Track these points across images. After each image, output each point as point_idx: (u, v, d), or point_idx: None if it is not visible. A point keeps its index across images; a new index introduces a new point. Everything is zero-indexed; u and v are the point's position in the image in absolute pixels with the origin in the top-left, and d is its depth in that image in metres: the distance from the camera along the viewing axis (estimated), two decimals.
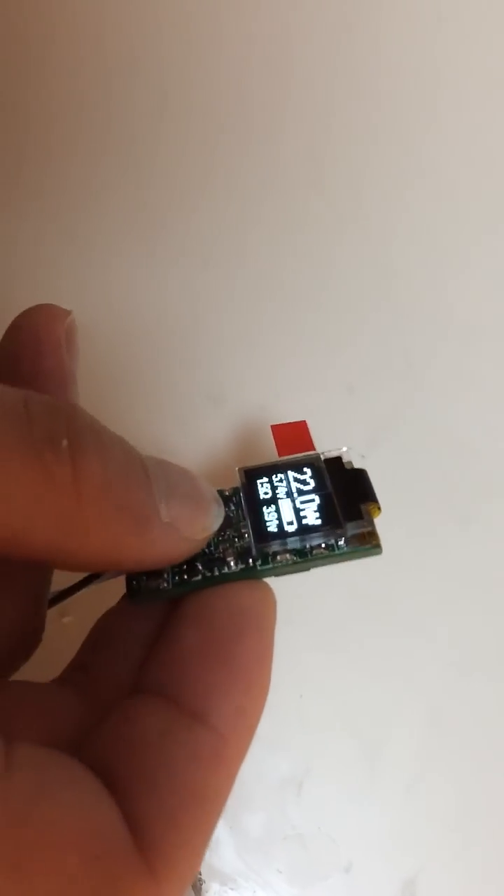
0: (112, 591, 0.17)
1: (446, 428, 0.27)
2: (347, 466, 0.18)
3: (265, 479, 0.17)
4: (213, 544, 0.17)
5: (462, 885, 0.25)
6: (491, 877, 0.25)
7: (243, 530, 0.17)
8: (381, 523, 0.25)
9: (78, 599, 0.17)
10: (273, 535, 0.17)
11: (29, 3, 0.30)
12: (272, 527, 0.17)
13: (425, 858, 0.25)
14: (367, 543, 0.17)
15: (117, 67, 0.29)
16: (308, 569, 0.17)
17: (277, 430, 0.18)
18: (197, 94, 0.29)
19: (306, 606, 0.25)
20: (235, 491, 0.18)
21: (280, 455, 0.18)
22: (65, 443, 0.13)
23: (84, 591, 0.17)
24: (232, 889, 0.25)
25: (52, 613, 0.17)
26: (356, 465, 0.18)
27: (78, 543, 0.13)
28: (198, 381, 0.27)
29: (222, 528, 0.17)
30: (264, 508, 0.17)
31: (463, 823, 0.26)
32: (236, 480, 0.18)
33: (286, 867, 0.25)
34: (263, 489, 0.17)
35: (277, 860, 0.25)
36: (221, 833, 0.25)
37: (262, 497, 0.17)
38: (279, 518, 0.17)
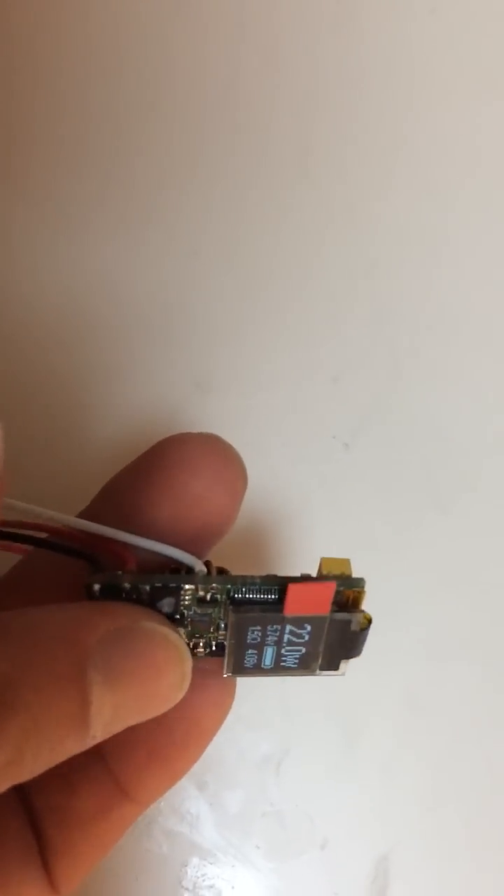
0: None
1: (429, 418, 0.28)
2: (354, 627, 0.16)
3: (258, 629, 0.15)
4: (185, 636, 0.16)
5: (433, 862, 0.26)
6: (460, 854, 0.26)
7: (220, 634, 0.16)
8: (363, 512, 0.26)
9: None
10: (247, 670, 0.16)
11: None
12: (249, 664, 0.16)
13: (398, 836, 0.26)
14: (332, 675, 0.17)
15: (106, 56, 0.29)
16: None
17: (295, 591, 0.15)
18: (187, 83, 0.29)
19: None
20: (225, 591, 0.15)
21: (287, 611, 0.15)
22: None
23: None
24: (211, 863, 0.26)
25: None
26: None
27: None
28: (184, 368, 0.28)
29: (198, 631, 0.16)
30: (247, 651, 0.16)
31: (435, 803, 0.26)
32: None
33: (264, 843, 0.26)
34: (252, 636, 0.15)
35: (256, 836, 0.26)
36: (202, 809, 0.26)
37: (248, 641, 0.16)
38: (258, 658, 0.16)
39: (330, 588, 0.15)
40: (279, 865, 0.26)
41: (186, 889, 0.26)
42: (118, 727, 0.13)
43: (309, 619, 0.15)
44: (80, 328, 0.28)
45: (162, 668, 0.14)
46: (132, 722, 0.14)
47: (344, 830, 0.26)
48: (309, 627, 0.15)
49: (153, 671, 0.14)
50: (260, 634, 0.15)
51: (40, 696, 0.12)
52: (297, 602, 0.15)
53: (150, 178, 0.29)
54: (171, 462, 0.15)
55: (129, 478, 0.16)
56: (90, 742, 0.13)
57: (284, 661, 0.16)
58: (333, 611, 0.15)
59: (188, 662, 0.14)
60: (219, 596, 0.15)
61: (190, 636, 0.16)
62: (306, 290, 0.28)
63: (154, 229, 0.28)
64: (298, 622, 0.15)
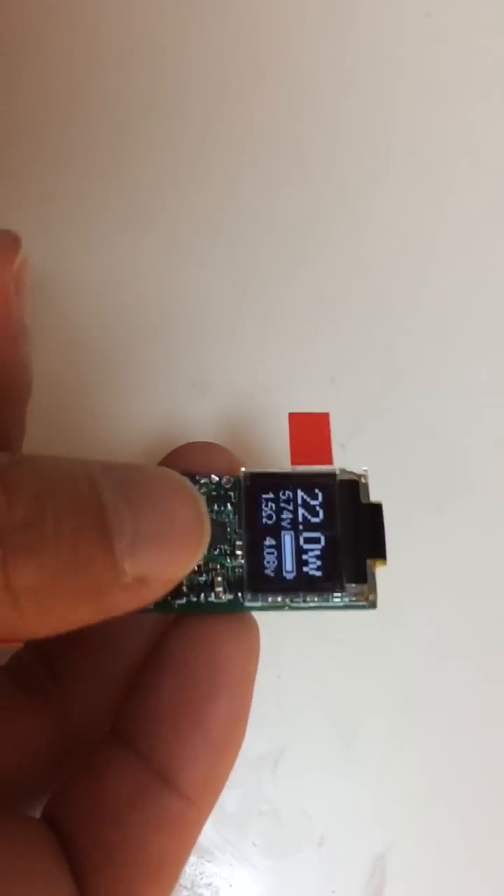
0: None
1: (424, 418, 0.28)
2: (363, 495, 0.16)
3: (271, 496, 0.16)
4: (202, 561, 0.15)
5: (430, 860, 0.26)
6: (457, 853, 0.26)
7: (237, 547, 0.16)
8: None
9: None
10: (268, 583, 0.15)
11: None
12: (269, 570, 0.15)
13: (395, 834, 0.26)
14: (364, 601, 0.16)
15: (106, 60, 0.29)
16: (296, 609, 0.16)
17: (296, 420, 0.16)
18: (183, 87, 0.29)
19: None
20: (236, 485, 0.16)
21: (293, 461, 0.16)
22: None
23: None
24: (209, 862, 0.26)
25: None
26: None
27: (26, 633, 0.12)
28: (182, 369, 0.28)
29: (214, 543, 0.16)
30: (264, 542, 0.16)
31: (432, 802, 0.26)
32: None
33: (261, 841, 0.26)
34: (267, 511, 0.16)
35: (253, 834, 0.26)
36: None
37: (264, 521, 0.16)
38: (278, 559, 0.15)
39: (324, 419, 0.16)
40: (276, 863, 0.26)
41: (185, 887, 0.26)
42: (145, 562, 0.12)
43: (317, 480, 0.16)
44: (76, 329, 0.28)
45: (174, 489, 0.13)
46: (160, 559, 0.12)
47: (341, 828, 0.26)
48: (320, 495, 0.16)
49: (166, 488, 0.13)
50: (273, 508, 0.16)
51: (50, 476, 0.12)
52: (300, 435, 0.16)
53: (145, 180, 0.29)
54: (181, 450, 0.17)
55: None
56: (121, 573, 0.12)
57: (307, 563, 0.15)
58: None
59: (202, 501, 0.13)
60: (232, 492, 0.16)
61: (206, 561, 0.16)
62: (303, 291, 0.28)
63: (150, 231, 0.28)
64: (308, 484, 0.16)
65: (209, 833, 0.26)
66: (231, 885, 0.26)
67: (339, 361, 0.28)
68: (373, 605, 0.16)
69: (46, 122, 0.29)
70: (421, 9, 0.30)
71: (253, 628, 0.16)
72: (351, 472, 0.16)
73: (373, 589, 0.16)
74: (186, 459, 0.17)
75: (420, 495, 0.28)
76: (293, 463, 0.16)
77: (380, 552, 0.16)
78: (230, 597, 0.15)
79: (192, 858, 0.26)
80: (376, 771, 0.27)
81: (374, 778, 0.26)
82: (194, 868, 0.26)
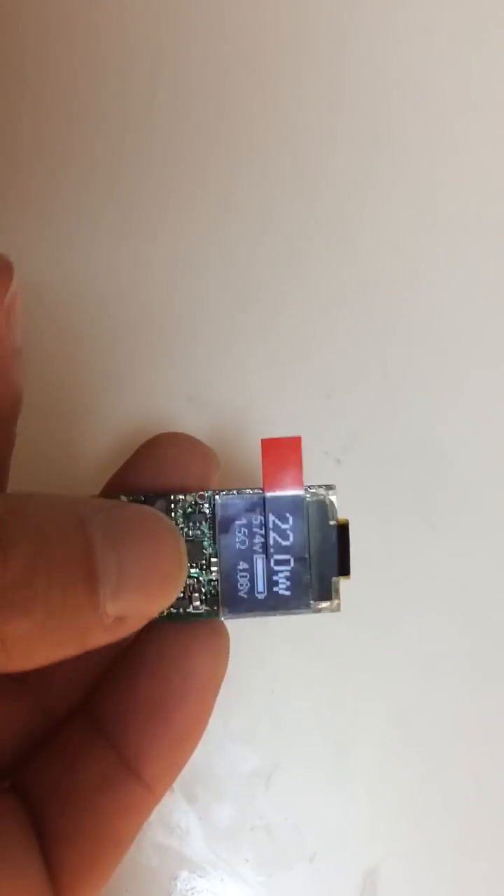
0: None
1: (419, 434, 0.28)
2: (330, 514, 0.17)
3: (244, 522, 0.17)
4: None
5: (421, 875, 0.26)
6: (448, 868, 0.26)
7: (212, 563, 0.17)
8: (355, 525, 0.26)
9: None
10: (241, 603, 0.17)
11: None
12: (242, 592, 0.17)
13: (386, 850, 0.26)
14: (328, 609, 0.17)
15: (106, 72, 0.29)
16: (266, 617, 0.17)
17: (268, 445, 0.17)
18: (183, 102, 0.29)
19: None
20: (210, 500, 0.17)
21: (265, 485, 0.17)
22: None
23: None
24: (200, 877, 0.26)
25: None
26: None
27: (11, 670, 0.13)
28: (177, 383, 0.28)
29: (190, 559, 0.17)
30: (237, 566, 0.17)
31: (423, 817, 0.27)
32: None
33: (253, 856, 0.26)
34: (240, 537, 0.17)
35: (245, 850, 0.26)
36: (192, 823, 0.26)
37: (237, 546, 0.17)
38: (251, 581, 0.17)
39: (296, 442, 0.17)
40: (268, 879, 0.26)
41: None
42: (126, 604, 0.13)
43: (288, 504, 0.17)
44: (73, 340, 0.28)
45: (157, 534, 0.14)
46: (139, 603, 0.13)
47: (332, 844, 0.26)
48: (291, 519, 0.17)
49: (150, 532, 0.14)
50: (246, 531, 0.17)
51: (42, 528, 0.12)
52: (272, 460, 0.17)
53: (146, 193, 0.29)
54: (155, 442, 0.18)
55: (123, 470, 0.18)
56: (103, 615, 0.13)
57: (277, 584, 0.17)
58: (306, 488, 0.17)
59: (182, 542, 0.15)
60: (206, 507, 0.17)
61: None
62: (300, 307, 0.28)
63: (150, 243, 0.28)
64: (279, 508, 0.17)
65: (201, 848, 0.26)
66: None
67: (335, 378, 0.28)
68: (336, 609, 0.17)
69: (46, 135, 0.29)
70: (419, 25, 0.30)
71: (223, 635, 0.17)
72: (318, 490, 0.17)
73: (337, 598, 0.17)
74: (158, 456, 0.18)
75: (414, 510, 0.28)
76: (266, 490, 0.17)
77: (344, 570, 0.17)
78: (206, 608, 0.17)
79: (184, 873, 0.26)
80: (368, 786, 0.27)
81: (365, 793, 0.27)
82: (186, 883, 0.26)
